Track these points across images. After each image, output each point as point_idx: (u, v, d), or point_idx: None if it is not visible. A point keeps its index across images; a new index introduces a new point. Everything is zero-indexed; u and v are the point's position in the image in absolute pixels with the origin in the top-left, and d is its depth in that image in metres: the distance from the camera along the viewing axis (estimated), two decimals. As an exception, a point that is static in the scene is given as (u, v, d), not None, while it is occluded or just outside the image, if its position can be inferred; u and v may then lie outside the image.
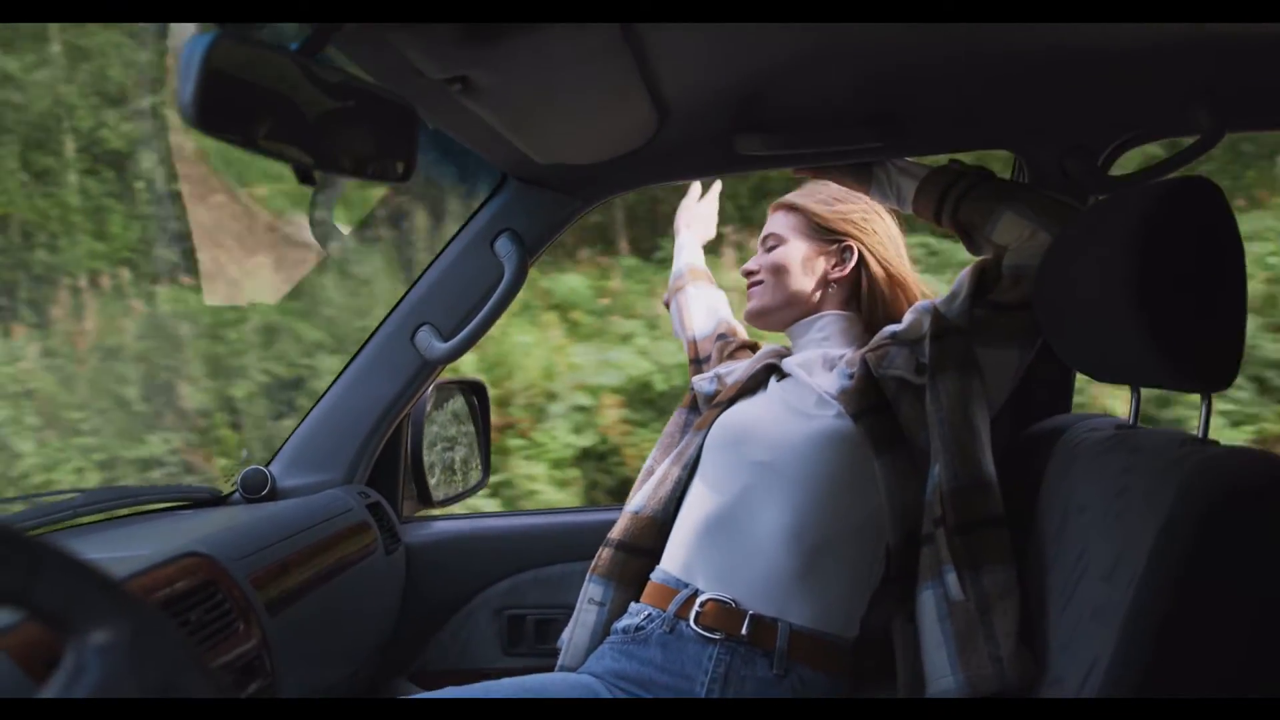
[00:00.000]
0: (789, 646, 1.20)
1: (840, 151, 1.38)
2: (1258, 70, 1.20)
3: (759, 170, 1.60)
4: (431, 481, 1.67)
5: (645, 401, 3.32)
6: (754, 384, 1.42)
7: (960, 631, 1.13)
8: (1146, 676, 0.81)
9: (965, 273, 1.31)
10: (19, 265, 3.76)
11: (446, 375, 1.69)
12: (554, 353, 3.48)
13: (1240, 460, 0.84)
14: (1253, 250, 3.11)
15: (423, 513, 1.72)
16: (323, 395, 1.58)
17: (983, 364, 1.26)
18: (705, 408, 1.47)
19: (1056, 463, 1.17)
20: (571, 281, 3.58)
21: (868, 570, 1.25)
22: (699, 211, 1.77)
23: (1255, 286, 3.04)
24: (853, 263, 1.42)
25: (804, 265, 1.43)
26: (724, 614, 1.23)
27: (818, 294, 1.43)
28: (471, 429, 1.83)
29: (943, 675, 1.13)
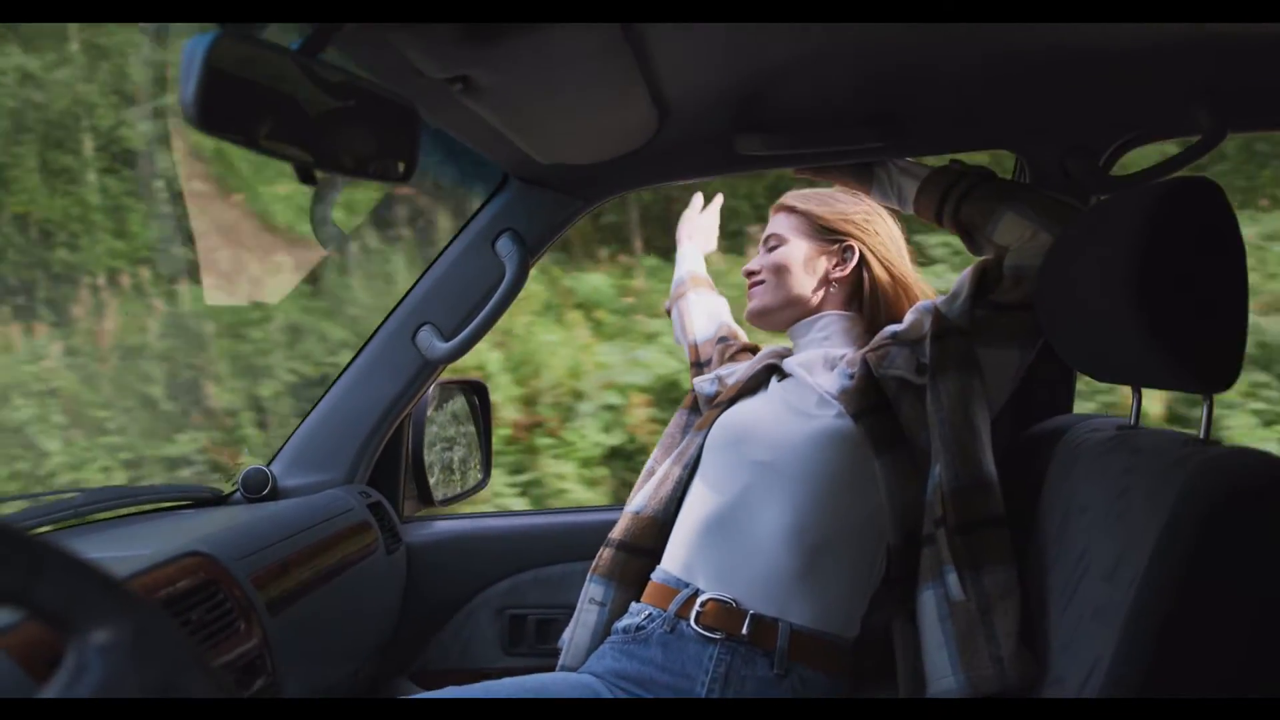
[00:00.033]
0: (789, 646, 1.20)
1: (841, 151, 1.38)
2: (1258, 70, 1.19)
3: (759, 170, 1.60)
4: (432, 481, 1.67)
5: (673, 401, 3.31)
6: (755, 384, 1.42)
7: (961, 632, 1.13)
8: (1148, 676, 0.81)
9: (966, 273, 1.31)
10: (39, 264, 3.75)
11: (447, 375, 1.69)
12: (580, 351, 3.48)
13: (1242, 461, 0.84)
14: (1278, 251, 3.06)
15: (424, 512, 1.72)
16: (324, 395, 1.58)
17: (983, 364, 1.26)
18: (706, 408, 1.47)
19: (1058, 463, 1.17)
20: (594, 280, 3.57)
21: (868, 570, 1.26)
22: (700, 223, 1.78)
23: None
24: (854, 263, 1.42)
25: (805, 265, 1.43)
26: (724, 614, 1.23)
27: (819, 294, 1.43)
28: (472, 429, 1.83)
29: (944, 675, 1.13)
